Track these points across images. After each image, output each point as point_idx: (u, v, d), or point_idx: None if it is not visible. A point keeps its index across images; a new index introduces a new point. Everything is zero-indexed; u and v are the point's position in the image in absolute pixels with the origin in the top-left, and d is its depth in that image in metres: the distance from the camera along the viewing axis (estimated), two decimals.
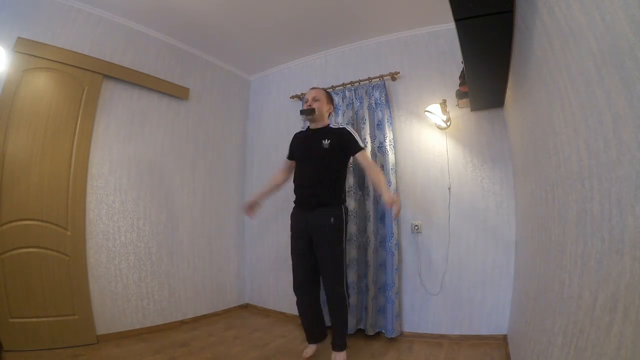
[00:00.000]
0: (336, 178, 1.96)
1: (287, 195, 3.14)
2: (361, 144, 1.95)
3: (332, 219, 1.88)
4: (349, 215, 2.12)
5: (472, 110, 2.43)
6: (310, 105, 1.99)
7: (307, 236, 1.95)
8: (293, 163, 2.17)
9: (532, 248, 1.39)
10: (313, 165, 1.96)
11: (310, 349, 2.08)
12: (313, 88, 2.11)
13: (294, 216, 2.06)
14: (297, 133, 2.24)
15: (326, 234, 1.89)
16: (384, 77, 2.70)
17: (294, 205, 2.09)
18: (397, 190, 2.56)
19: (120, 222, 2.46)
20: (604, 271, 0.58)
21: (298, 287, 2.01)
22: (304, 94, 3.10)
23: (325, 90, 2.12)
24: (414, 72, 2.71)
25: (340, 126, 2.02)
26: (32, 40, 2.08)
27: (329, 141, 1.93)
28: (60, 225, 2.14)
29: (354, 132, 1.98)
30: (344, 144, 1.94)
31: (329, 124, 2.05)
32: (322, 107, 2.01)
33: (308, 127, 2.12)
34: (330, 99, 2.09)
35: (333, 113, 2.24)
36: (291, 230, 2.06)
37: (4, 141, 1.97)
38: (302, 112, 2.02)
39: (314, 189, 1.94)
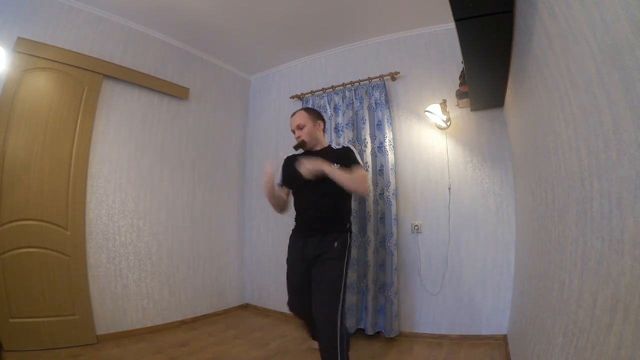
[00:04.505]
0: (341, 201, 1.78)
1: None
2: (360, 161, 1.76)
3: (335, 244, 1.69)
4: (352, 241, 1.88)
5: (472, 110, 2.44)
6: (298, 137, 1.83)
7: (306, 265, 1.74)
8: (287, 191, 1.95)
9: (532, 248, 1.39)
10: (317, 189, 1.74)
11: (315, 344, 1.90)
12: (293, 114, 1.89)
13: (292, 243, 1.85)
14: (289, 156, 1.95)
15: (326, 259, 1.69)
16: (384, 77, 2.70)
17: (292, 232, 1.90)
18: (396, 190, 2.56)
19: (120, 222, 2.46)
20: (604, 271, 0.58)
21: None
22: (304, 94, 3.12)
23: (307, 109, 1.90)
24: (414, 72, 2.71)
25: (344, 145, 1.86)
26: (32, 40, 2.08)
27: (338, 165, 1.71)
28: (60, 225, 2.14)
29: (356, 149, 1.84)
30: (347, 161, 1.77)
31: (330, 145, 1.89)
32: (311, 131, 1.83)
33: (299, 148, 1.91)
34: (315, 116, 1.88)
35: (324, 127, 1.92)
36: (287, 258, 1.86)
37: (4, 141, 1.97)
38: (295, 147, 1.86)
39: (318, 214, 1.75)
